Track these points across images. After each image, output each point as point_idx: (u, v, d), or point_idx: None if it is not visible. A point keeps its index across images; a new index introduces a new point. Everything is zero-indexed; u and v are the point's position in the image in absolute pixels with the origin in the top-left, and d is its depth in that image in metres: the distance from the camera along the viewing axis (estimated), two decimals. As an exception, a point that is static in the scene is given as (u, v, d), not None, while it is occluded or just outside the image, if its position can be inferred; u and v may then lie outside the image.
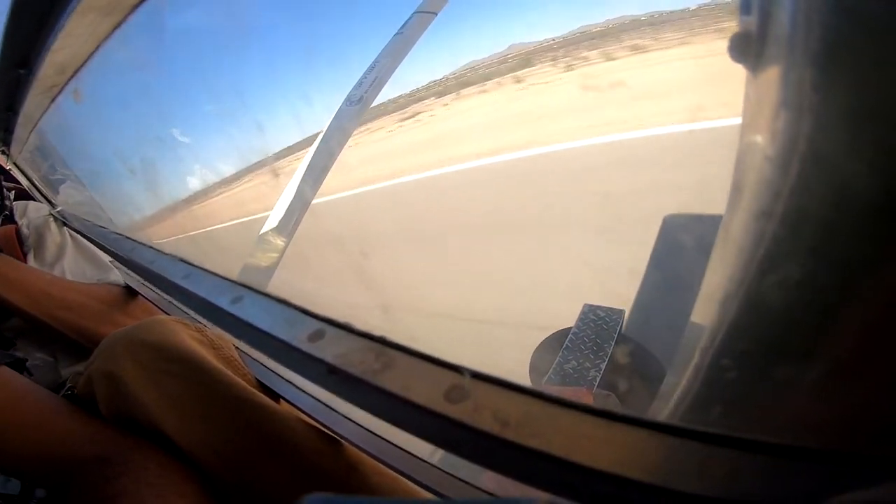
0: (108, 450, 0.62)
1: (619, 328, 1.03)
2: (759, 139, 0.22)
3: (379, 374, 0.27)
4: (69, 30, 0.59)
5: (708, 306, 0.29)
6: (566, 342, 1.02)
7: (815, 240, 0.18)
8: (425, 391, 0.26)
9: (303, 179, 1.17)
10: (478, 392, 0.25)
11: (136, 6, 0.53)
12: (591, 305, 1.09)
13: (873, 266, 0.18)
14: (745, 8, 0.27)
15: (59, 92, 0.83)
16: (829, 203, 0.17)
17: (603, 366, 0.96)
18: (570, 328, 1.05)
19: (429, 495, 0.55)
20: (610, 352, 0.99)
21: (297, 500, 0.28)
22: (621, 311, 1.05)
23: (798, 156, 0.17)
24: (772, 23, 0.22)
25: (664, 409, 0.29)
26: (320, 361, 0.30)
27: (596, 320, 1.06)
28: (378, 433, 0.62)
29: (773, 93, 0.21)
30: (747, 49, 0.24)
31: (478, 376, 0.26)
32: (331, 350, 0.30)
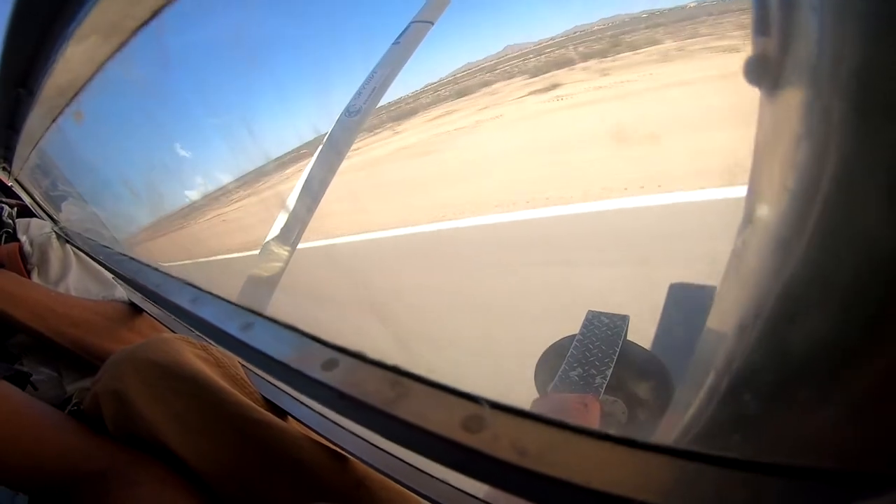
0: (107, 465, 0.62)
1: (623, 334, 1.03)
2: (775, 167, 0.21)
3: (394, 403, 0.27)
4: (69, 54, 0.60)
5: (722, 327, 0.29)
6: (571, 349, 1.02)
7: (838, 275, 0.18)
8: (442, 421, 0.26)
9: (303, 192, 1.17)
10: (496, 422, 0.25)
11: (137, 30, 0.53)
12: (594, 312, 1.09)
13: None
14: (760, 29, 0.26)
15: (60, 113, 0.83)
16: (855, 245, 0.16)
17: (609, 372, 0.96)
18: (574, 335, 1.05)
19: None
20: (615, 358, 0.98)
21: None
22: (626, 317, 1.05)
23: (822, 191, 0.17)
24: (794, 48, 0.22)
25: (681, 433, 0.29)
26: (335, 390, 0.30)
27: (600, 326, 1.05)
28: (385, 449, 0.62)
29: (793, 121, 0.20)
30: (764, 73, 0.24)
31: (496, 406, 0.26)
32: (345, 378, 0.30)
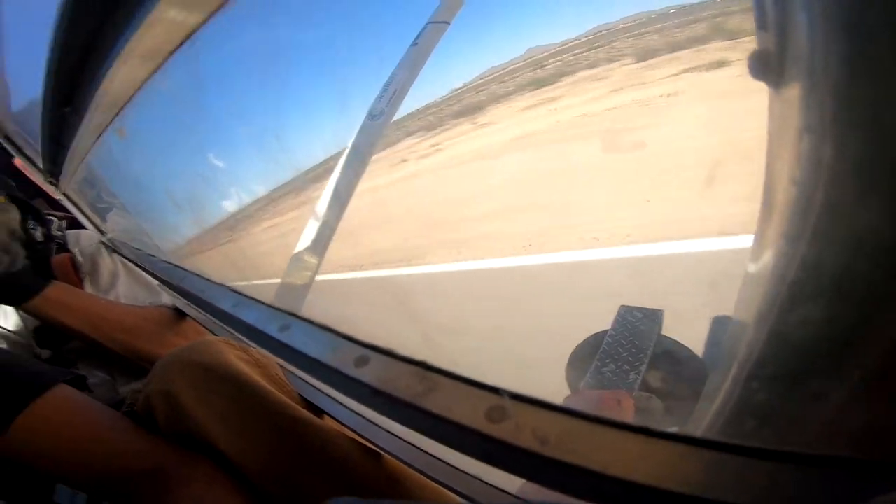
0: (159, 464, 0.66)
1: (658, 329, 1.01)
2: (784, 160, 0.22)
3: (422, 396, 0.29)
4: (112, 76, 0.64)
5: (744, 319, 0.29)
6: (603, 345, 1.01)
7: (844, 261, 0.18)
8: (467, 412, 0.27)
9: (332, 197, 1.20)
10: (517, 412, 0.26)
11: (173, 52, 0.57)
12: (627, 307, 1.07)
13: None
14: (761, 23, 0.27)
15: (104, 130, 0.88)
16: (855, 233, 0.17)
17: (643, 368, 0.94)
18: (606, 331, 1.03)
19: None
20: (650, 354, 0.96)
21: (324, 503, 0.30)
22: (660, 312, 1.03)
23: (822, 184, 0.18)
24: (789, 42, 0.22)
25: (702, 422, 0.30)
26: (367, 385, 0.31)
27: (633, 322, 1.03)
28: (419, 446, 0.63)
29: (795, 114, 0.21)
30: (767, 67, 0.25)
31: (517, 397, 0.27)
32: (376, 374, 0.32)
